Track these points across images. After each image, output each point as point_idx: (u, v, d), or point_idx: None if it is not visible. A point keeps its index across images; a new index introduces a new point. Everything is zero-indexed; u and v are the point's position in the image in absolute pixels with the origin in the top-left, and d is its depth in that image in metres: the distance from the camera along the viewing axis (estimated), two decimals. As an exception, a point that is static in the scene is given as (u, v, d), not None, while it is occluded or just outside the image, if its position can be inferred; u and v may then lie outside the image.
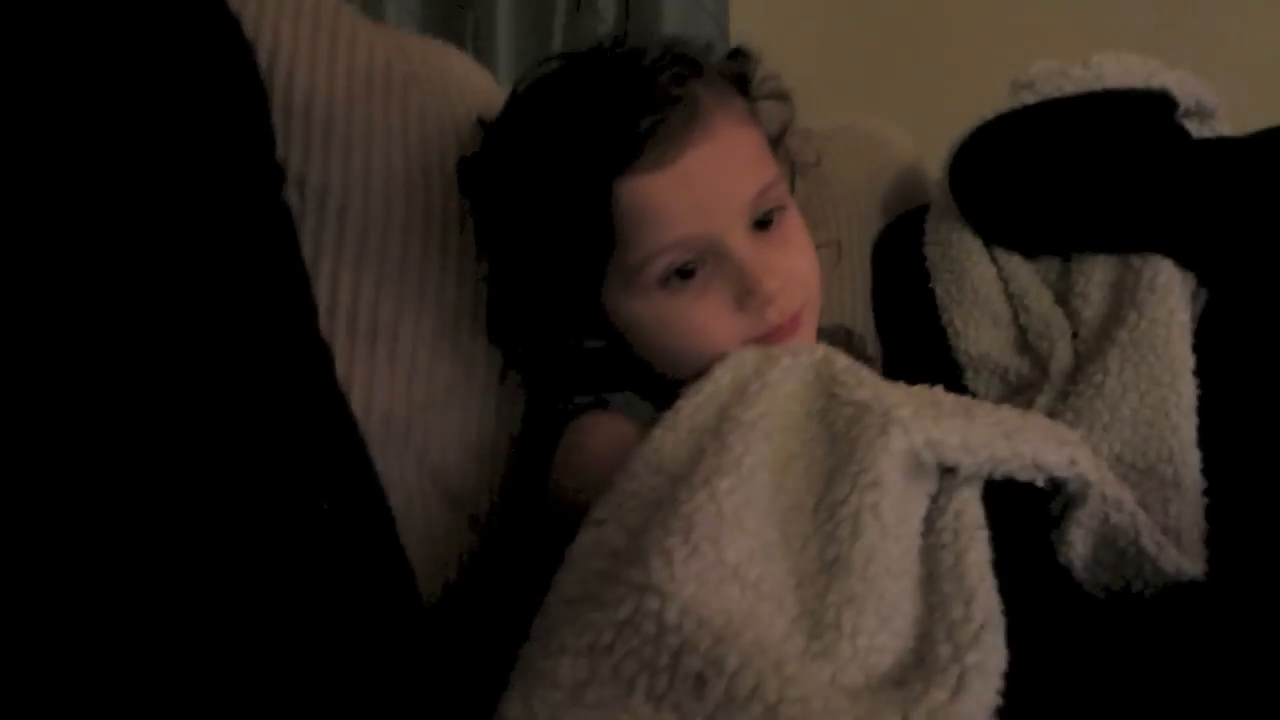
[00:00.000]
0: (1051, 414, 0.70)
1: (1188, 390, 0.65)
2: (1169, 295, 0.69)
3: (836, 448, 0.50)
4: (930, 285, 0.83)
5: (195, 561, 0.42)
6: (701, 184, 0.59)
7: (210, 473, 0.44)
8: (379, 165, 0.67)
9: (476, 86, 0.77)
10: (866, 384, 0.54)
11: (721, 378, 0.56)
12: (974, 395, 0.79)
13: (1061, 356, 0.74)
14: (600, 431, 0.60)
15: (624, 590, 0.42)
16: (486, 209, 0.67)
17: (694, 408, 0.54)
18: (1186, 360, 0.66)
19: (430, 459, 0.66)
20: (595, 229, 0.59)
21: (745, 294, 0.61)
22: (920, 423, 0.50)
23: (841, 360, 0.57)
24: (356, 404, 0.60)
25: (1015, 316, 0.79)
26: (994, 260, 0.81)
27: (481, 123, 0.68)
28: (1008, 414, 0.55)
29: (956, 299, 0.81)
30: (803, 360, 0.57)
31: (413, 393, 0.65)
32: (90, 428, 0.41)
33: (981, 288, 0.80)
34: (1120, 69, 0.79)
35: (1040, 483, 0.53)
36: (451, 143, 0.70)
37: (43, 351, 0.42)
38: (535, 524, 0.63)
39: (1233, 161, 0.75)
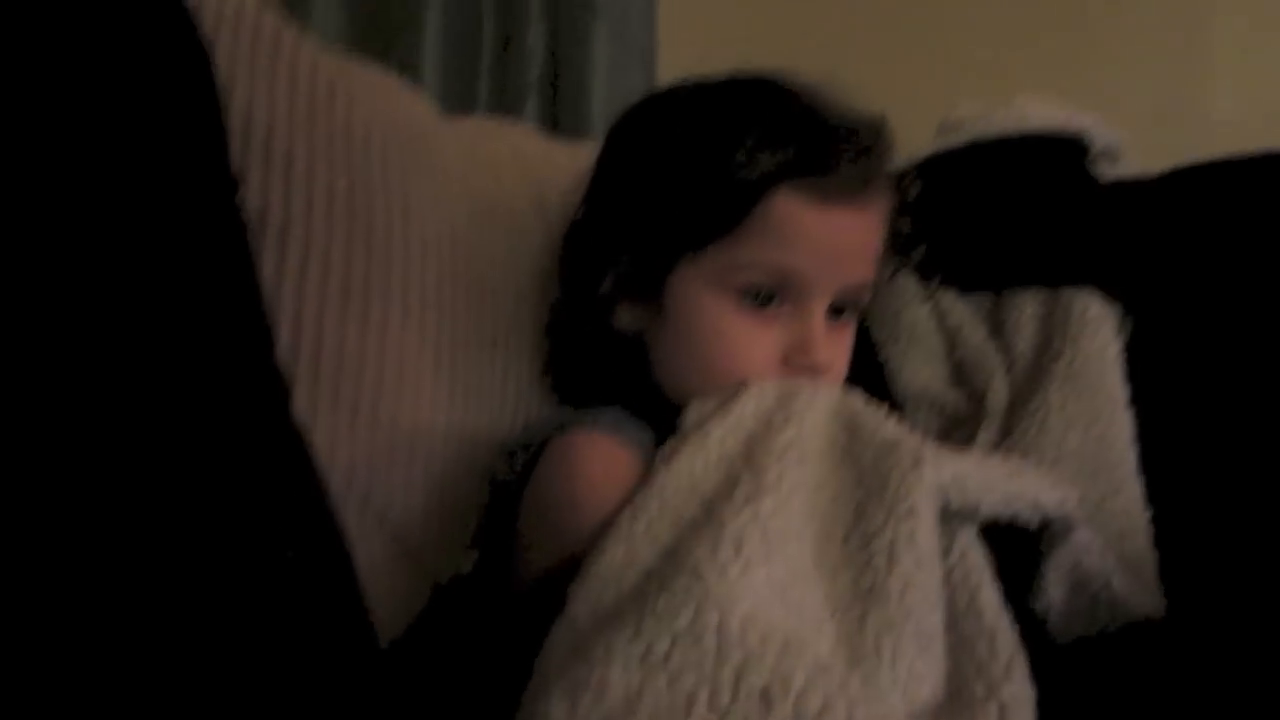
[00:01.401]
0: (995, 449, 0.72)
1: (1127, 422, 0.67)
2: (1100, 328, 0.72)
3: (865, 481, 0.51)
4: (864, 323, 0.85)
5: (156, 609, 0.38)
6: (833, 240, 0.62)
7: (170, 516, 0.41)
8: (321, 186, 0.64)
9: (417, 112, 0.75)
10: (887, 423, 0.55)
11: (746, 406, 0.57)
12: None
13: (998, 390, 0.76)
14: (597, 456, 0.57)
15: (680, 599, 0.41)
16: (635, 146, 0.67)
17: (723, 433, 0.54)
18: (1123, 393, 0.69)
19: (393, 517, 0.63)
20: (734, 209, 0.60)
21: (798, 350, 0.62)
22: (945, 460, 0.51)
23: (859, 400, 0.58)
24: (319, 455, 0.57)
25: (950, 351, 0.81)
26: (928, 297, 0.83)
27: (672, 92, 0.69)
28: (994, 457, 0.56)
29: (892, 335, 0.83)
30: (822, 396, 0.58)
31: (357, 430, 0.62)
32: (39, 463, 0.38)
33: (916, 325, 0.82)
34: (1041, 112, 0.83)
35: (1034, 524, 0.54)
36: (395, 165, 0.68)
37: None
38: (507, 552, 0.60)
39: (1147, 199, 0.80)
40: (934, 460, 0.50)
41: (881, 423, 0.55)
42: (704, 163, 0.61)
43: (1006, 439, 0.72)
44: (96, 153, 0.46)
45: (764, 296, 0.62)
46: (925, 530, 0.48)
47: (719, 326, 0.62)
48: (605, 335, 0.66)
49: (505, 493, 0.62)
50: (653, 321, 0.65)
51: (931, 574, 0.47)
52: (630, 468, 0.56)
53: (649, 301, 0.65)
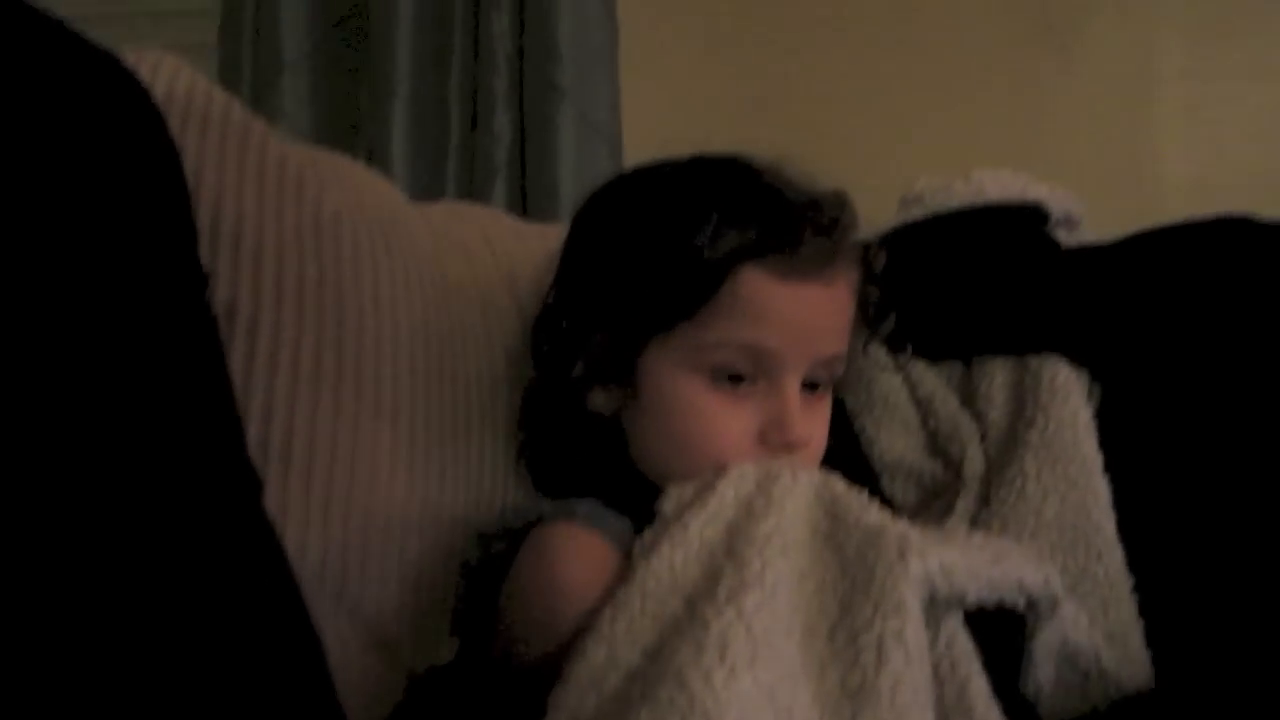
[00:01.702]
0: (974, 519, 0.72)
1: (1103, 489, 0.67)
2: (1070, 395, 0.72)
3: (850, 572, 0.50)
4: (839, 396, 0.85)
5: (124, 705, 0.37)
6: (803, 316, 0.62)
7: (138, 613, 0.40)
8: (291, 278, 0.64)
9: (385, 197, 0.76)
10: (870, 508, 0.54)
11: (726, 492, 0.55)
12: (891, 501, 0.80)
13: (973, 459, 0.76)
14: (578, 550, 0.56)
15: (664, 711, 0.40)
16: (601, 228, 0.68)
17: (702, 523, 0.53)
18: (1097, 459, 0.69)
19: (366, 610, 0.62)
20: (701, 289, 0.60)
21: (775, 428, 0.62)
22: (932, 548, 0.50)
23: (841, 484, 0.57)
24: (290, 548, 0.56)
25: (924, 421, 0.81)
26: (899, 367, 0.83)
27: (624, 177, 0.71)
28: (977, 538, 0.55)
29: (866, 406, 0.83)
30: (803, 480, 0.57)
31: (329, 521, 0.61)
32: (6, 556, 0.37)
33: (889, 394, 0.82)
34: (998, 184, 0.85)
35: (1021, 606, 0.53)
36: (366, 252, 0.68)
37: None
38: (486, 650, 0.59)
39: (1107, 265, 0.81)
40: (919, 550, 0.49)
41: (865, 507, 0.54)
42: (668, 243, 0.61)
43: (985, 508, 0.72)
44: (60, 253, 0.45)
45: (736, 375, 0.62)
46: (914, 626, 0.47)
47: (693, 407, 0.62)
48: (580, 419, 0.66)
49: (479, 578, 0.61)
50: (628, 404, 0.65)
51: (921, 670, 0.46)
52: (609, 561, 0.55)
53: (622, 384, 0.64)
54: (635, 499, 0.60)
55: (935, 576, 0.49)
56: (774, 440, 0.62)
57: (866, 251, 0.69)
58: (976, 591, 0.50)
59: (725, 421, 0.62)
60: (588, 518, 0.58)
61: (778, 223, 0.61)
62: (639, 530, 0.57)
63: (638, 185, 0.68)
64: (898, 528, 0.52)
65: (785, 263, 0.61)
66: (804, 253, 0.61)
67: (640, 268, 0.62)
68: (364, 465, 0.64)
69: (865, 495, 0.56)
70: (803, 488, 0.56)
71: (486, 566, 0.61)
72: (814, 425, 0.65)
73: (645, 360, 0.63)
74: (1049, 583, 0.53)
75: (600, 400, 0.65)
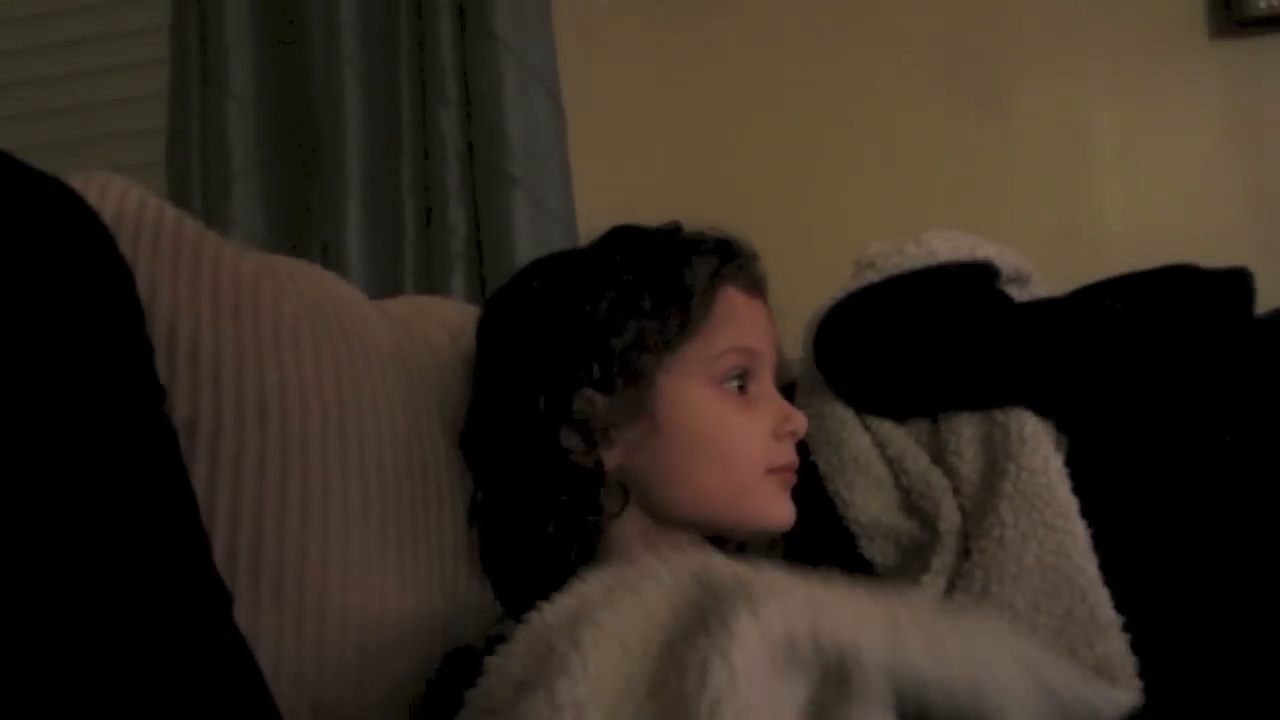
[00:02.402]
0: (954, 572, 0.71)
1: (1081, 531, 0.67)
2: (1040, 444, 0.73)
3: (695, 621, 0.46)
4: (811, 459, 0.85)
5: None
6: (764, 324, 0.76)
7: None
8: (251, 388, 0.63)
9: (344, 297, 0.76)
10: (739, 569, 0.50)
11: (590, 583, 0.52)
12: (870, 561, 0.80)
13: (948, 514, 0.76)
14: None
15: None
16: (569, 286, 0.72)
17: (552, 610, 0.50)
18: (1072, 503, 0.69)
19: (327, 700, 0.60)
20: (699, 309, 0.70)
21: (782, 421, 0.72)
22: (781, 597, 0.45)
23: (721, 568, 0.52)
24: (265, 659, 0.54)
25: (896, 480, 0.81)
26: (867, 428, 0.84)
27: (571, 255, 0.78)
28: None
29: (838, 469, 0.83)
30: (679, 576, 0.52)
31: (303, 628, 0.60)
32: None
33: (860, 455, 0.82)
34: (948, 245, 0.87)
35: None
36: (327, 352, 0.68)
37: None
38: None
39: (1061, 316, 0.83)
40: (765, 594, 0.46)
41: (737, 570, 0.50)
42: (661, 280, 0.70)
43: (966, 561, 0.71)
44: (11, 377, 0.44)
45: (741, 383, 0.71)
46: (742, 649, 0.43)
47: (719, 418, 0.70)
48: (551, 508, 0.67)
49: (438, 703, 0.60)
50: (644, 442, 0.68)
51: (753, 695, 0.41)
52: None
53: (630, 425, 0.68)
54: None
55: (793, 623, 0.45)
56: (783, 432, 0.72)
57: None
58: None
59: (748, 425, 0.71)
60: None
61: (725, 251, 0.74)
62: None
63: (564, 265, 0.76)
64: (761, 579, 0.48)
65: (747, 281, 0.75)
66: (754, 273, 0.76)
67: (635, 300, 0.69)
68: (335, 567, 0.63)
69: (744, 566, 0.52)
70: (677, 584, 0.51)
71: (446, 689, 0.59)
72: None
73: (659, 388, 0.69)
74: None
75: (607, 457, 0.68)
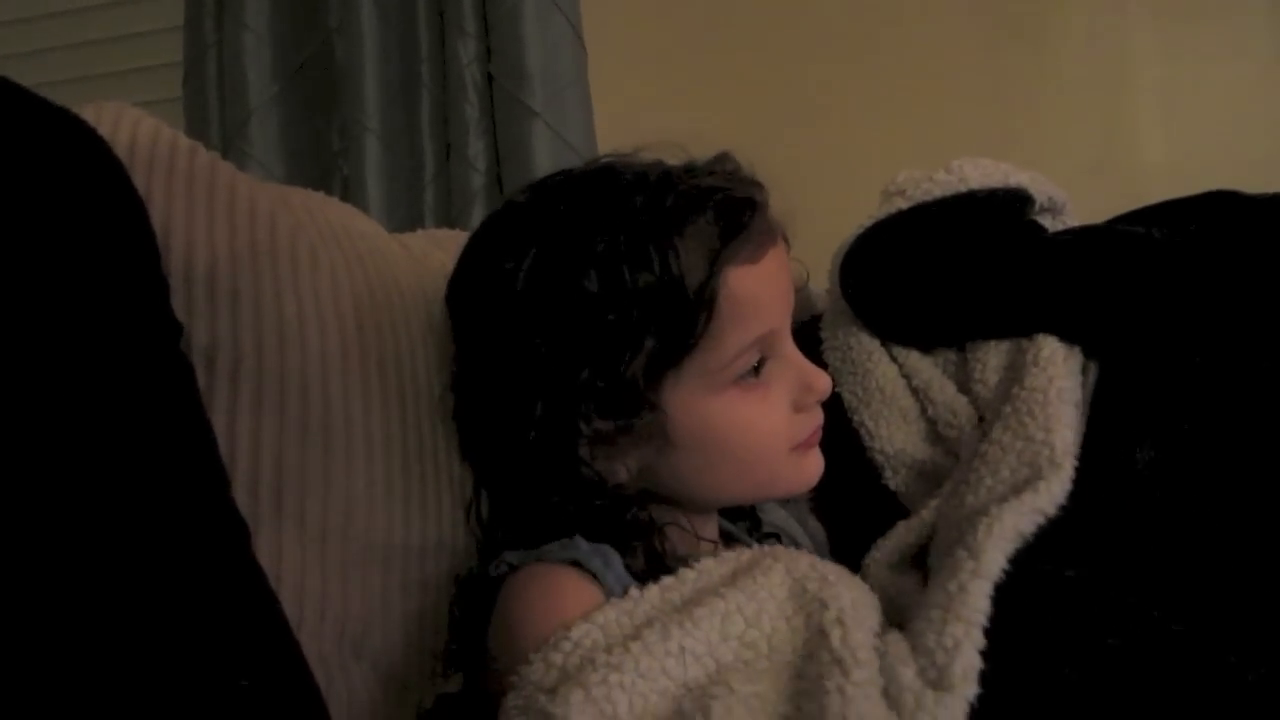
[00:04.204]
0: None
1: (1061, 442, 0.64)
2: (1050, 365, 0.71)
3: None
4: (836, 390, 0.84)
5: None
6: (777, 284, 0.64)
7: (120, 652, 0.38)
8: (270, 317, 0.63)
9: (362, 230, 0.75)
10: (856, 636, 0.51)
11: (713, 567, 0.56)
12: (895, 492, 0.79)
13: (969, 441, 0.75)
14: (568, 591, 0.56)
15: None
16: (516, 302, 0.61)
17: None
18: (1062, 418, 0.66)
19: (370, 644, 0.61)
20: (701, 311, 0.58)
21: (804, 391, 0.64)
22: None
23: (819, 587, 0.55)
24: (288, 590, 0.55)
25: (923, 410, 0.80)
26: (894, 358, 0.82)
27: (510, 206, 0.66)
28: None
29: (864, 400, 0.82)
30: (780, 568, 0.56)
31: (326, 557, 0.60)
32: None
33: (886, 386, 0.81)
34: (979, 171, 0.84)
35: None
36: (345, 283, 0.67)
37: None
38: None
39: (1095, 243, 0.80)
40: None
41: (850, 631, 0.53)
42: (649, 284, 0.58)
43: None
44: (20, 310, 0.44)
45: (755, 368, 0.62)
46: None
47: (736, 424, 0.62)
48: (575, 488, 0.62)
49: (465, 623, 0.60)
50: (659, 454, 0.62)
51: None
52: (593, 598, 0.55)
53: (638, 443, 0.61)
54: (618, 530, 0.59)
55: None
56: (806, 403, 0.65)
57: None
58: None
59: (766, 415, 0.63)
60: (598, 566, 0.57)
61: (723, 214, 0.60)
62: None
63: (560, 240, 0.61)
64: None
65: (749, 246, 0.61)
66: (754, 228, 0.61)
67: (623, 321, 0.58)
68: (358, 494, 0.63)
69: (854, 608, 0.55)
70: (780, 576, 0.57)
71: (469, 610, 0.60)
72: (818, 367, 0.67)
73: (665, 404, 0.60)
74: None
75: (620, 471, 0.62)
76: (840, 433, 0.83)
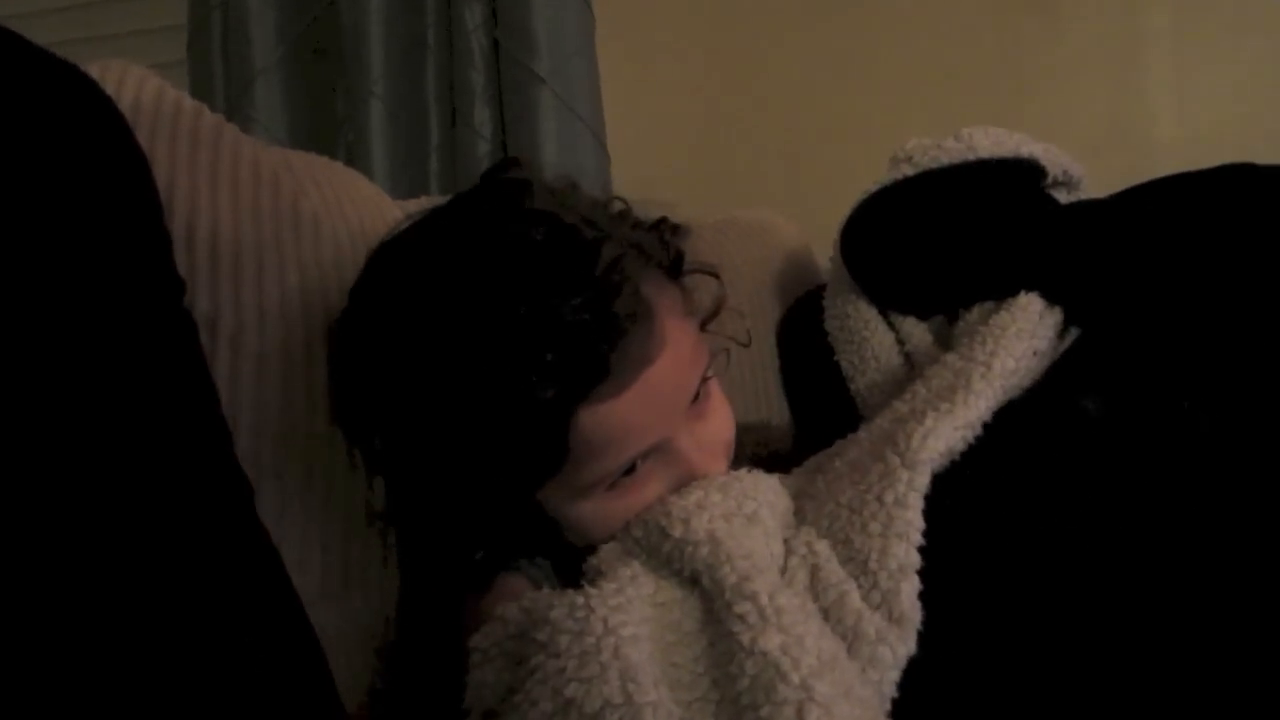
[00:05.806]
0: None
1: (1000, 365, 0.64)
2: (1020, 311, 0.70)
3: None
4: (835, 359, 0.84)
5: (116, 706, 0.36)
6: (659, 397, 0.56)
7: (123, 605, 0.39)
8: (272, 285, 0.63)
9: (365, 195, 0.75)
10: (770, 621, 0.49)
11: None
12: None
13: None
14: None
15: None
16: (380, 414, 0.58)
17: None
18: (1011, 350, 0.66)
19: (363, 617, 0.63)
20: (547, 454, 0.54)
21: (688, 479, 0.60)
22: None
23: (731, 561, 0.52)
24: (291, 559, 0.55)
25: (910, 373, 0.80)
26: (891, 326, 0.82)
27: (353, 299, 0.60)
28: None
29: (860, 369, 0.82)
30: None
31: (348, 544, 0.61)
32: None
33: (881, 355, 0.81)
34: (990, 140, 0.83)
35: None
36: (348, 253, 0.67)
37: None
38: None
39: (1103, 214, 0.79)
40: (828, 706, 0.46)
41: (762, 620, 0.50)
42: (505, 414, 0.53)
43: None
44: (22, 265, 0.44)
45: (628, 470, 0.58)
46: None
47: (605, 515, 0.59)
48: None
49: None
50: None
51: None
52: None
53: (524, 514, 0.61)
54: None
55: None
56: (690, 482, 0.60)
57: (666, 238, 0.63)
58: None
59: (638, 505, 0.59)
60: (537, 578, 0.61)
61: (583, 353, 0.52)
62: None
63: (411, 361, 0.55)
64: (800, 667, 0.47)
65: (613, 379, 0.53)
66: (622, 351, 0.53)
67: (487, 446, 0.54)
68: (341, 457, 0.63)
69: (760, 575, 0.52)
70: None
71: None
72: (715, 426, 0.62)
73: (543, 501, 0.60)
74: None
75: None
76: (838, 401, 0.83)
